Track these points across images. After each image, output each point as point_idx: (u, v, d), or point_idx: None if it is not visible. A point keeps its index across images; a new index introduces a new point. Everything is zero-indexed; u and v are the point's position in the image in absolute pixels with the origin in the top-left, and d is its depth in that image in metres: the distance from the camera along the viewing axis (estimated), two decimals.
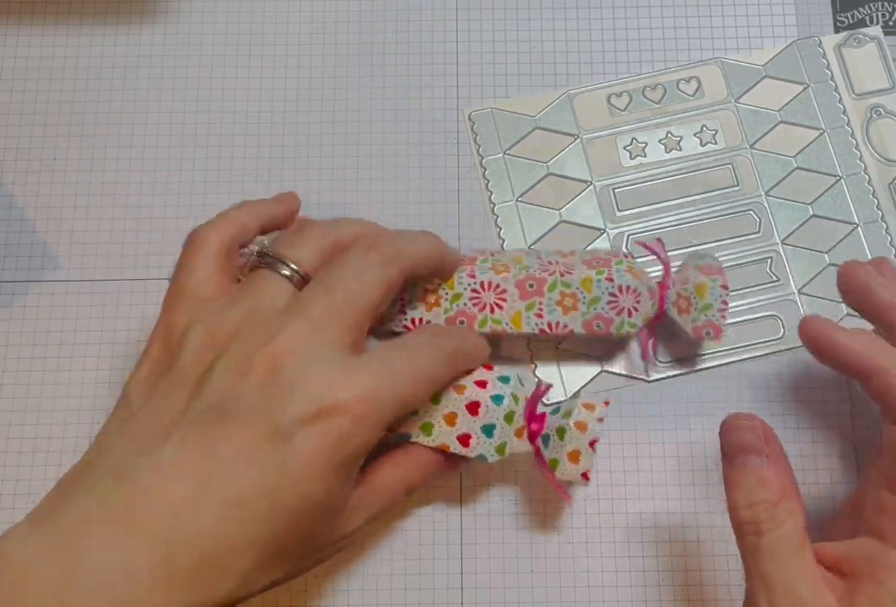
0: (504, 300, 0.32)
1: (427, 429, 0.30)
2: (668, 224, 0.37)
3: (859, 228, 0.37)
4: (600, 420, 0.30)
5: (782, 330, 0.36)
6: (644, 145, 0.38)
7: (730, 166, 0.37)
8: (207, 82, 0.39)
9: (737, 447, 0.27)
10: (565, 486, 0.33)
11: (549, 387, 0.33)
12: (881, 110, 0.38)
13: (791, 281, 0.36)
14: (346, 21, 0.40)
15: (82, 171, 0.38)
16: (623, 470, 0.35)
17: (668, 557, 0.34)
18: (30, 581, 0.23)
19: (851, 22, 0.39)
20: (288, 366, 0.25)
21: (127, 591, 0.23)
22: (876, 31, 0.39)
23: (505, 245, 0.37)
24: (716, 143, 0.38)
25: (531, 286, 0.32)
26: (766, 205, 0.37)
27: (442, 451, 0.30)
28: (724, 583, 0.34)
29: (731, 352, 0.36)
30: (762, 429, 0.27)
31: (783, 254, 0.36)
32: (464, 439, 0.30)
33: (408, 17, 0.40)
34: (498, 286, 0.32)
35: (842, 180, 0.37)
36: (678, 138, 0.38)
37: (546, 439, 0.31)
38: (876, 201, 0.37)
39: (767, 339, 0.36)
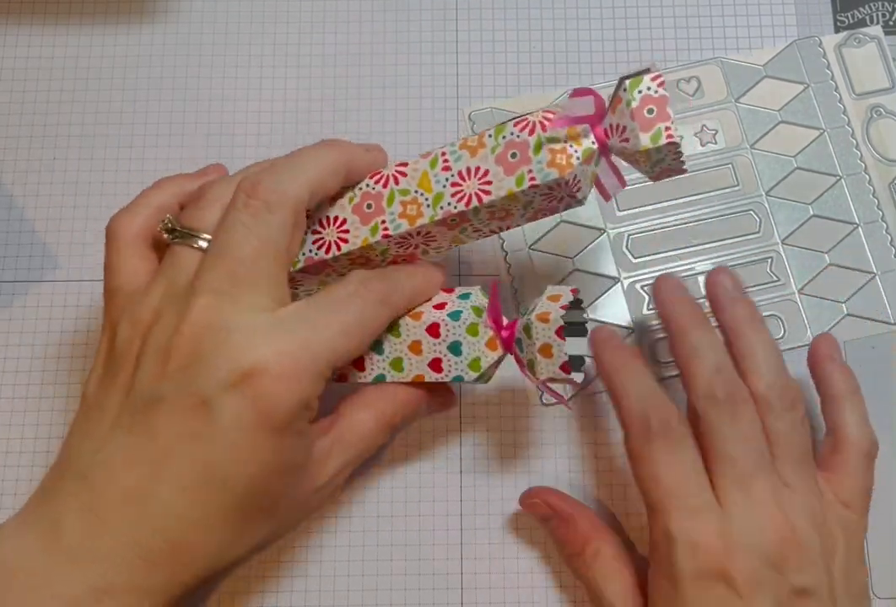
0: (406, 165, 0.29)
1: (397, 364, 0.30)
2: (668, 224, 0.37)
3: (860, 228, 0.37)
4: (564, 307, 0.28)
5: (783, 330, 0.36)
6: None
7: (730, 166, 0.37)
8: (207, 82, 0.39)
9: (539, 519, 0.33)
10: (562, 393, 0.33)
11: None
12: (881, 110, 0.38)
13: (791, 281, 0.36)
14: (346, 21, 0.40)
15: (82, 171, 0.38)
16: (623, 468, 0.35)
17: None
18: (18, 571, 0.24)
19: (851, 22, 0.39)
20: (206, 340, 0.25)
21: (107, 578, 0.24)
22: (876, 30, 0.39)
23: (505, 245, 0.37)
24: (716, 143, 0.38)
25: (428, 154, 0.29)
26: (766, 205, 0.37)
27: (420, 384, 0.30)
28: None
29: None
30: (547, 496, 0.33)
31: (783, 254, 0.36)
32: (434, 364, 0.29)
33: (408, 17, 0.40)
34: (403, 163, 0.30)
35: (842, 180, 0.37)
36: (678, 138, 0.37)
37: (519, 343, 0.29)
38: (876, 201, 0.37)
39: None
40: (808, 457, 0.30)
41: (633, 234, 0.37)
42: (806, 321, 0.36)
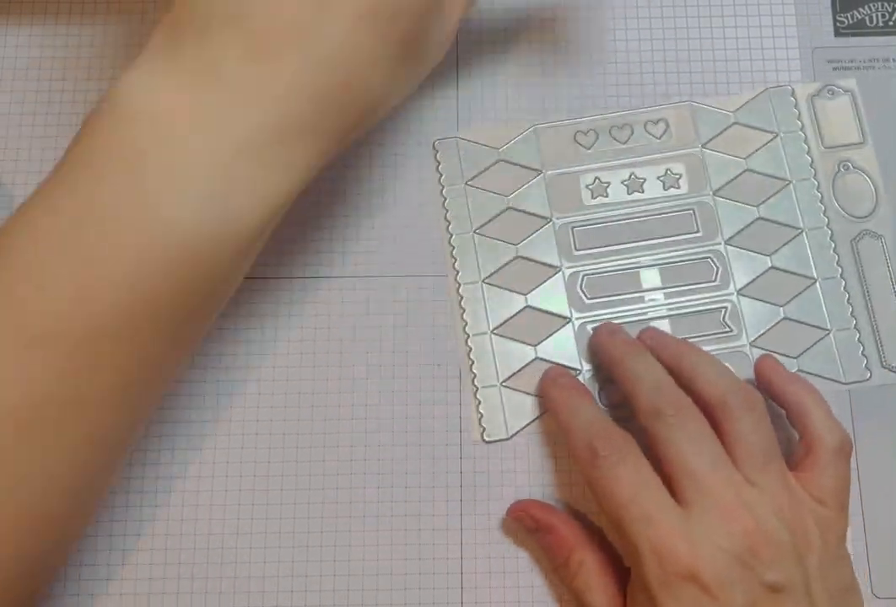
0: None
1: None
2: (623, 266, 0.36)
3: (817, 284, 0.36)
4: None
5: None
6: (607, 185, 0.37)
7: (691, 212, 0.37)
8: None
9: (527, 530, 0.33)
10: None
11: None
12: (850, 165, 0.37)
13: (744, 332, 0.36)
14: None
15: None
16: None
17: None
18: (177, 114, 0.23)
19: (851, 22, 0.39)
20: None
21: (281, 119, 0.23)
22: (851, 84, 0.38)
23: (459, 277, 0.36)
24: (679, 188, 0.37)
25: None
26: (725, 253, 0.36)
27: None
28: None
29: None
30: (532, 508, 0.33)
31: (738, 305, 0.36)
32: None
33: None
34: None
35: (803, 233, 0.36)
36: (641, 180, 0.37)
37: None
38: (836, 256, 0.36)
39: None
40: (772, 456, 0.30)
41: (588, 275, 0.36)
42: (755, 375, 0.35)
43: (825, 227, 0.37)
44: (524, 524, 0.33)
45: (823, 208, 0.37)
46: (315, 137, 0.24)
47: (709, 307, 0.36)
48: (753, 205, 0.37)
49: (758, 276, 0.36)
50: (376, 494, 0.35)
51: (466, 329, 0.36)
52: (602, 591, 0.30)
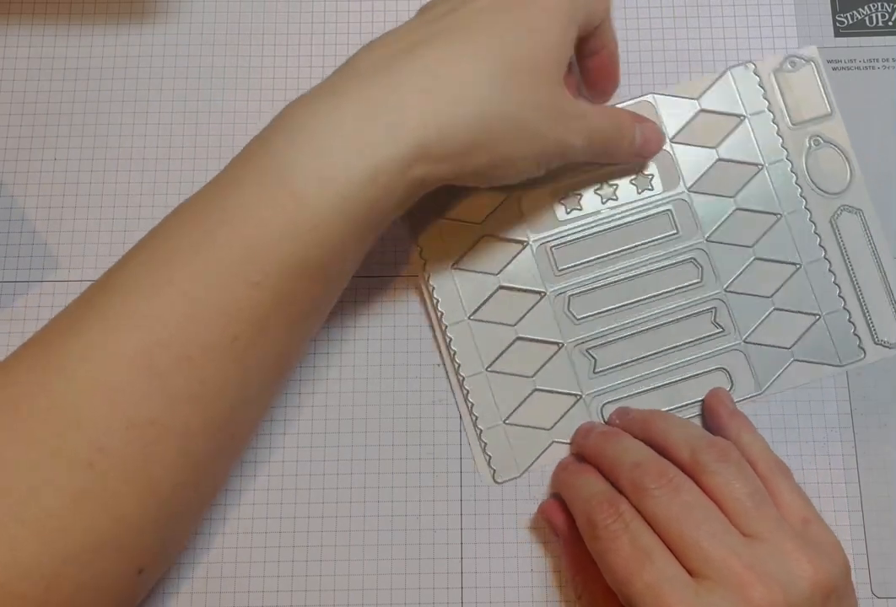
0: None
1: None
2: (607, 279, 0.35)
3: (803, 268, 0.35)
4: None
5: (730, 383, 0.35)
6: (579, 197, 0.36)
7: (668, 212, 0.36)
8: (207, 82, 0.39)
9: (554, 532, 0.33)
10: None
11: None
12: (820, 139, 0.36)
13: (736, 330, 0.35)
14: (346, 21, 0.40)
15: (82, 171, 0.38)
16: None
17: None
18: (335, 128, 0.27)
19: (851, 22, 0.39)
20: None
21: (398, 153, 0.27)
22: (811, 51, 0.38)
23: (444, 318, 0.35)
24: (652, 189, 0.36)
25: None
26: (707, 251, 0.36)
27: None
28: None
29: (682, 408, 0.35)
30: (552, 519, 0.33)
31: (726, 303, 0.35)
32: None
33: (409, 18, 0.40)
34: None
35: (783, 218, 0.36)
36: (614, 186, 0.36)
37: None
38: (818, 238, 0.36)
39: None
40: (760, 499, 0.29)
41: (574, 294, 0.35)
42: (752, 371, 0.35)
43: (803, 209, 0.36)
44: (548, 525, 0.34)
45: (799, 189, 0.36)
46: (437, 163, 0.28)
47: (698, 310, 0.35)
48: (729, 197, 0.36)
49: (743, 270, 0.36)
50: (376, 494, 0.35)
51: (460, 371, 0.35)
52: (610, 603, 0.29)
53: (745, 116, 0.36)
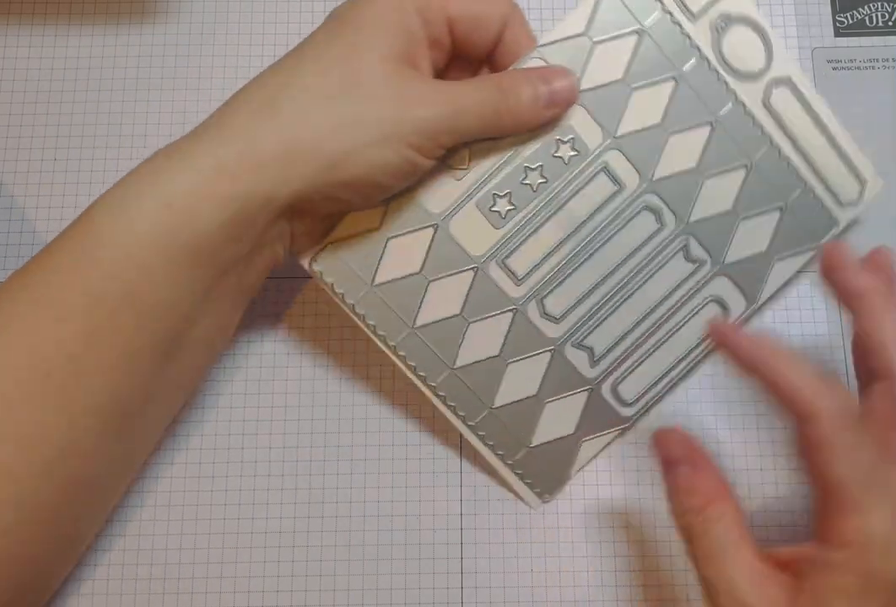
0: None
1: None
2: (569, 262, 0.33)
3: (754, 166, 0.33)
4: None
5: (726, 309, 0.34)
6: (508, 196, 0.32)
7: (604, 170, 0.32)
8: (207, 82, 0.39)
9: (665, 460, 0.29)
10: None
11: None
12: (728, 16, 0.33)
13: (711, 257, 0.34)
14: None
15: (82, 171, 0.38)
16: (622, 469, 0.35)
17: (669, 557, 0.34)
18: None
19: (851, 22, 0.39)
20: None
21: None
22: None
23: (428, 379, 0.33)
24: (578, 153, 0.32)
25: None
26: (656, 192, 0.33)
27: None
28: None
29: (691, 352, 0.34)
30: (686, 440, 0.29)
31: (694, 235, 0.33)
32: None
33: None
34: None
35: (719, 123, 0.33)
36: (538, 168, 0.32)
37: None
38: (760, 128, 0.33)
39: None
40: None
41: (545, 297, 0.33)
42: (740, 289, 0.34)
43: (736, 103, 0.33)
44: (671, 452, 0.29)
45: (725, 85, 0.33)
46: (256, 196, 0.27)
47: (669, 253, 0.33)
48: (657, 126, 0.32)
49: (697, 196, 0.33)
50: (376, 494, 0.35)
51: (468, 422, 0.33)
52: (741, 552, 0.27)
53: (642, 30, 0.32)
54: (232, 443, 0.35)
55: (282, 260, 0.31)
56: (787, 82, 0.33)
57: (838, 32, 0.39)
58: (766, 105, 0.33)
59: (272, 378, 0.36)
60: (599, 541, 0.34)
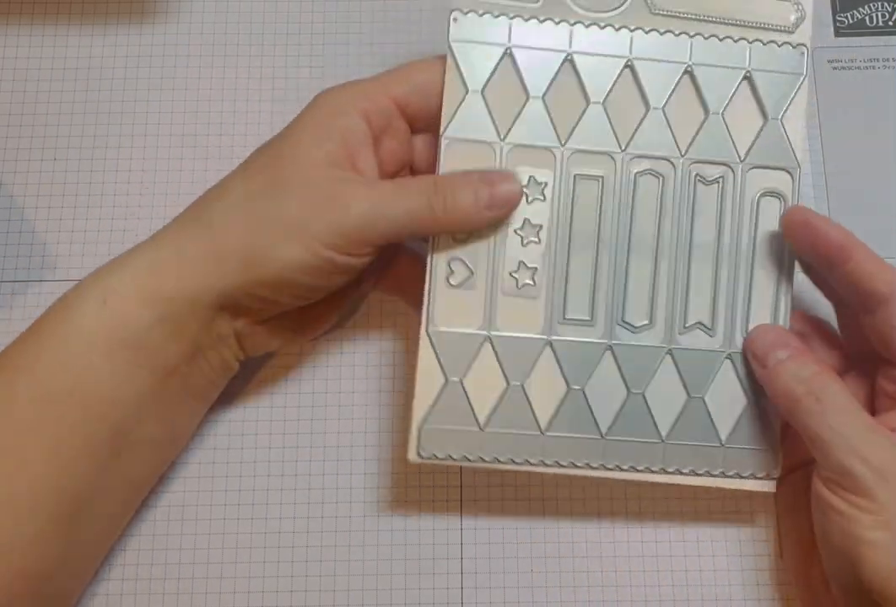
0: None
1: None
2: (621, 271, 0.32)
3: (722, 115, 0.32)
4: None
5: (783, 203, 0.32)
6: (521, 264, 0.31)
7: (578, 177, 0.32)
8: (207, 82, 0.39)
9: (766, 347, 0.30)
10: None
11: None
12: None
13: (727, 166, 0.32)
14: (346, 21, 0.40)
15: (82, 171, 0.38)
16: None
17: (669, 558, 0.34)
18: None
19: (851, 22, 0.39)
20: None
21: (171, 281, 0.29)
22: None
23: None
24: (546, 183, 0.32)
25: None
26: (638, 155, 0.32)
27: None
28: (724, 583, 0.34)
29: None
30: (784, 330, 0.31)
31: (699, 160, 0.32)
32: None
33: (408, 18, 0.40)
34: None
35: (631, 63, 0.32)
36: (525, 223, 0.31)
37: None
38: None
39: None
40: None
41: (625, 315, 0.31)
42: (778, 170, 0.32)
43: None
44: (759, 341, 0.31)
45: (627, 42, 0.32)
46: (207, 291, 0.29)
47: (687, 189, 0.32)
48: (598, 102, 0.32)
49: (672, 134, 0.32)
50: (376, 494, 0.35)
51: (653, 469, 0.31)
52: (859, 407, 0.28)
53: (506, 46, 0.31)
54: (232, 443, 0.35)
55: (234, 366, 0.33)
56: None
57: (838, 32, 0.39)
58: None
59: (272, 377, 0.36)
60: (599, 542, 0.34)
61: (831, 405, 0.28)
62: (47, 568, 0.28)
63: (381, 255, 0.32)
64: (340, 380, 0.36)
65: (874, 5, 0.39)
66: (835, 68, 0.39)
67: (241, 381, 0.35)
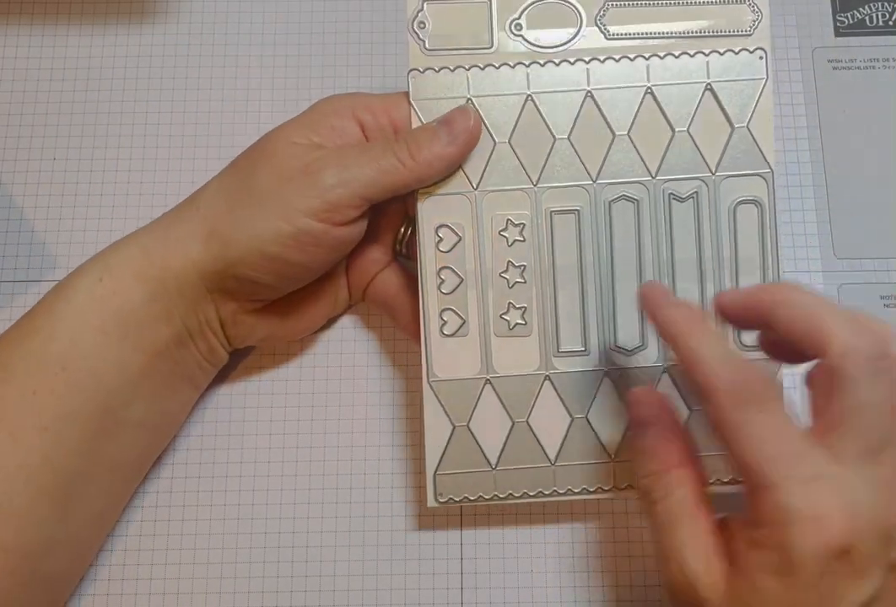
0: None
1: None
2: (608, 298, 0.32)
3: (685, 132, 0.32)
4: None
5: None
6: (509, 305, 0.32)
7: (553, 214, 0.32)
8: (207, 82, 0.39)
9: (635, 419, 0.29)
10: None
11: None
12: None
13: (699, 180, 0.32)
14: (346, 20, 0.40)
15: (82, 172, 0.38)
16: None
17: None
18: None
19: (851, 22, 0.39)
20: None
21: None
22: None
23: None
24: (523, 224, 0.32)
25: None
26: (608, 181, 0.32)
27: None
28: None
29: None
30: (661, 402, 0.29)
31: (670, 179, 0.32)
32: None
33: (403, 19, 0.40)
34: None
35: (591, 93, 0.32)
36: (508, 265, 0.32)
37: None
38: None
39: None
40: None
41: (617, 340, 0.32)
42: (749, 176, 0.32)
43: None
44: (649, 411, 0.29)
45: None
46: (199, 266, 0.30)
47: (662, 209, 0.32)
48: (563, 136, 0.32)
49: (640, 157, 0.32)
50: (376, 494, 0.35)
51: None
52: (697, 521, 0.26)
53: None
54: (232, 443, 0.35)
55: (222, 356, 0.33)
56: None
57: (838, 32, 0.39)
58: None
59: (272, 377, 0.36)
60: (600, 542, 0.34)
61: (659, 514, 0.27)
62: (40, 547, 0.29)
63: (369, 266, 0.33)
64: (340, 381, 0.36)
65: (874, 5, 0.39)
66: (835, 68, 0.39)
67: (239, 381, 0.36)
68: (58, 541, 0.29)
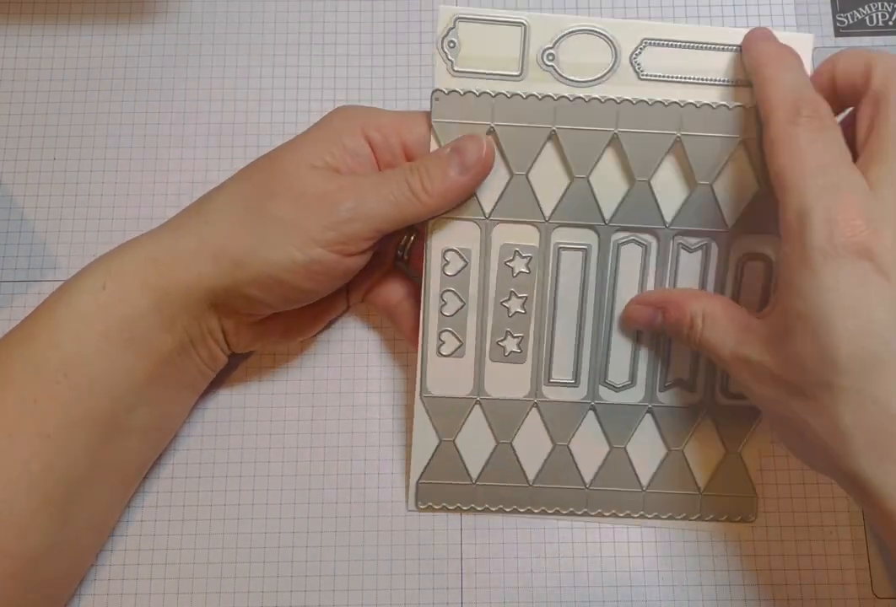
0: None
1: None
2: (604, 336, 0.33)
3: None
4: None
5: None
6: (507, 333, 0.33)
7: (561, 249, 0.32)
8: (207, 82, 0.39)
9: (643, 324, 0.32)
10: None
11: None
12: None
13: (710, 237, 0.32)
14: (345, 21, 0.40)
15: (82, 171, 0.38)
16: None
17: (669, 558, 0.34)
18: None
19: (851, 22, 0.39)
20: None
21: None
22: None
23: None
24: (531, 256, 0.32)
25: None
26: (621, 227, 0.32)
27: None
28: (724, 583, 0.34)
29: None
30: (648, 299, 0.32)
31: (681, 232, 0.32)
32: None
33: (408, 18, 0.40)
34: None
35: (617, 135, 0.31)
36: (511, 294, 0.32)
37: None
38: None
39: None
40: None
41: (608, 376, 0.33)
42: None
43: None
44: (645, 316, 0.32)
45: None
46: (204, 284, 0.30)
47: (670, 260, 0.32)
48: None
49: (656, 202, 0.32)
50: (376, 494, 0.35)
51: (633, 515, 0.34)
52: (727, 329, 0.28)
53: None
54: (232, 443, 0.35)
55: (222, 359, 0.33)
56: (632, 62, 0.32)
57: (838, 32, 0.39)
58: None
59: (272, 377, 0.36)
60: (599, 542, 0.34)
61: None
62: (41, 552, 0.29)
63: (369, 270, 0.33)
64: (341, 381, 0.36)
65: (874, 5, 0.39)
66: None
67: (238, 381, 0.36)
68: (58, 546, 0.29)
